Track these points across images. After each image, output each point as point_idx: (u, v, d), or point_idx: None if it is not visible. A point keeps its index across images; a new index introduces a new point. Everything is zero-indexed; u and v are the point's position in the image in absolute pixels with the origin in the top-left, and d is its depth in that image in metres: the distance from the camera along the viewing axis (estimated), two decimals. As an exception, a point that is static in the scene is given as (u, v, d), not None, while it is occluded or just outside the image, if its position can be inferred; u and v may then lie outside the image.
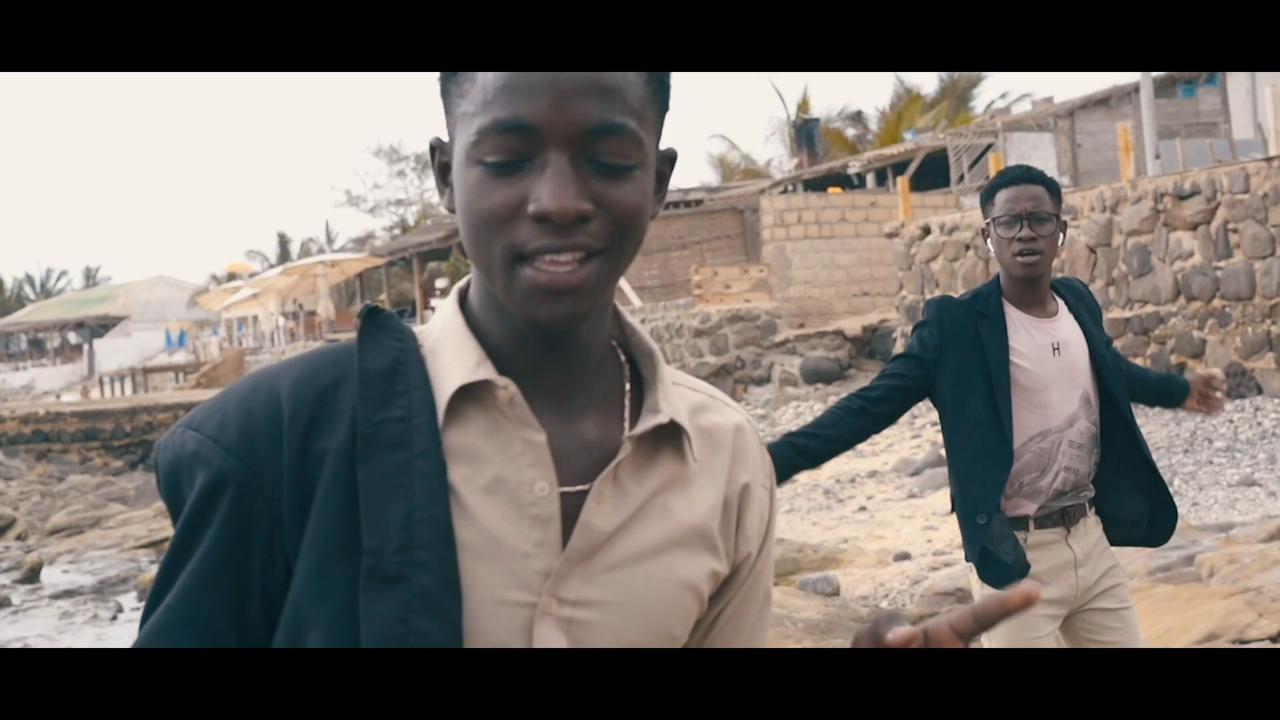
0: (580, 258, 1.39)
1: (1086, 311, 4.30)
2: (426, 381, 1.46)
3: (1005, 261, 4.19)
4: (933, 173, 33.92)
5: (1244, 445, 14.75)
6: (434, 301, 48.50)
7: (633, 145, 1.41)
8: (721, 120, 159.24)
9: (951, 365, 4.16)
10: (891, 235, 24.51)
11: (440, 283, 50.19)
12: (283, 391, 1.46)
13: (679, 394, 1.57)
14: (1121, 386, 4.26)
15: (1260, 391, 16.83)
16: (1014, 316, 4.19)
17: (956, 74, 47.71)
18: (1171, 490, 13.67)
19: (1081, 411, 4.18)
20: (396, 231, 67.29)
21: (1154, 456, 15.29)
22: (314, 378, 1.47)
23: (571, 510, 1.46)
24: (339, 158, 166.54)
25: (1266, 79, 28.35)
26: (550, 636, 1.44)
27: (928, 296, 22.51)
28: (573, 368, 1.50)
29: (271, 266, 68.58)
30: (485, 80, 1.40)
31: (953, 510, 4.23)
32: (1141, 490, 4.22)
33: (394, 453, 1.41)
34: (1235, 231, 17.07)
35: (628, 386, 1.56)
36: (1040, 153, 31.27)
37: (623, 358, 1.58)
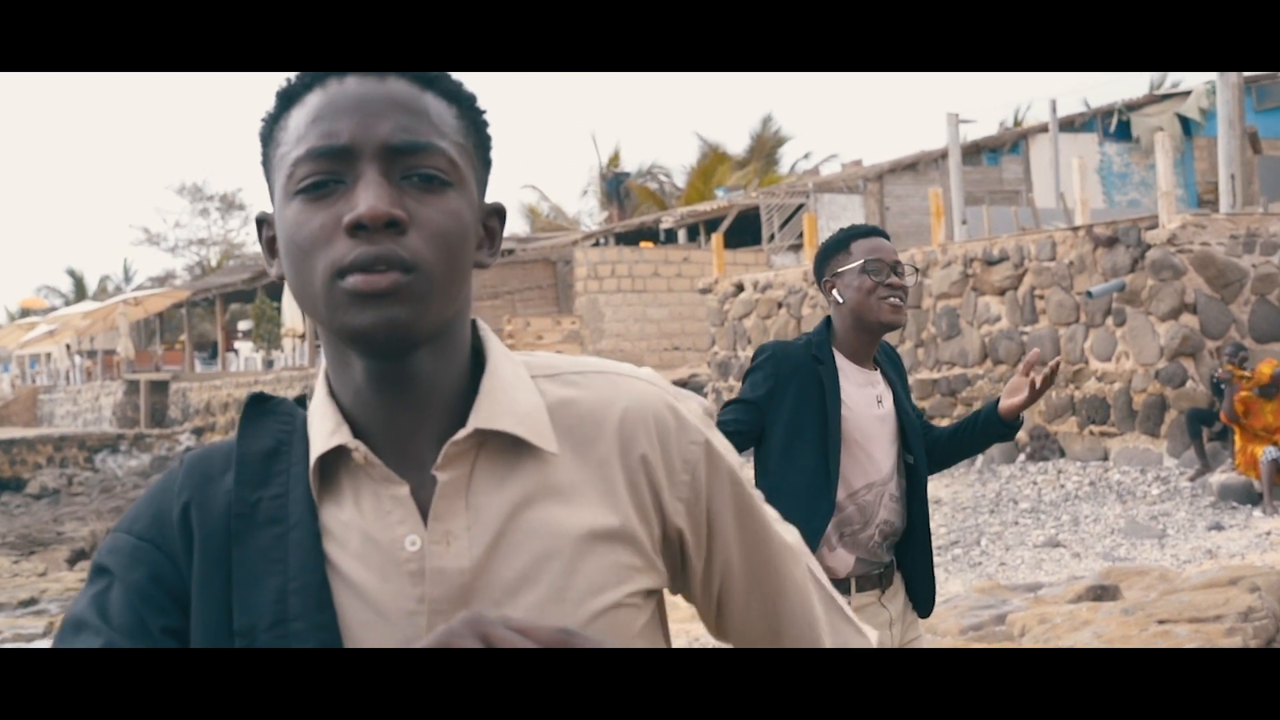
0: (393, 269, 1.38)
1: (894, 371, 4.33)
2: (306, 457, 1.45)
3: (868, 309, 4.16)
4: (744, 230, 34.31)
5: (1048, 507, 15.09)
6: (236, 344, 47.69)
7: (445, 162, 1.42)
8: (535, 169, 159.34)
9: (785, 410, 4.12)
10: (705, 291, 24.71)
11: (243, 324, 49.39)
12: (181, 472, 1.48)
13: (538, 386, 1.51)
14: (921, 448, 4.28)
15: (1063, 454, 17.24)
16: (843, 366, 4.19)
17: (764, 134, 48.40)
18: (979, 549, 13.82)
19: (900, 465, 4.20)
20: (198, 271, 66.14)
21: (960, 516, 15.48)
22: (204, 463, 1.49)
23: None
24: (137, 194, 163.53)
25: (1072, 150, 29.24)
26: None
27: (740, 352, 22.79)
28: (418, 415, 1.46)
29: (68, 304, 66.92)
30: (297, 120, 1.43)
31: None
32: (924, 553, 4.25)
33: (269, 529, 1.41)
34: (1041, 298, 17.51)
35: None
36: (850, 214, 31.81)
37: None
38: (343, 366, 1.46)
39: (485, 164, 1.51)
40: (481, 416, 1.44)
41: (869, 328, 4.20)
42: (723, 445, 1.58)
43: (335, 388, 1.48)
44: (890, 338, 19.27)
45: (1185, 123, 34.24)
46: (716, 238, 26.87)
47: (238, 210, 69.21)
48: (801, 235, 28.42)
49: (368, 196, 1.37)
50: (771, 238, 33.04)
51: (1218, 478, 14.47)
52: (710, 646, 1.53)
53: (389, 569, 1.40)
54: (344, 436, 1.43)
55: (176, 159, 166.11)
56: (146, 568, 1.42)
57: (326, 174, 1.40)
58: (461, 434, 1.43)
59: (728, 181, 43.92)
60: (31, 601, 16.78)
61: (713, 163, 47.02)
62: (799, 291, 21.85)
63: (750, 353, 22.48)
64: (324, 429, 1.44)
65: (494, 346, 1.52)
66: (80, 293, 72.33)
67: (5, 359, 64.59)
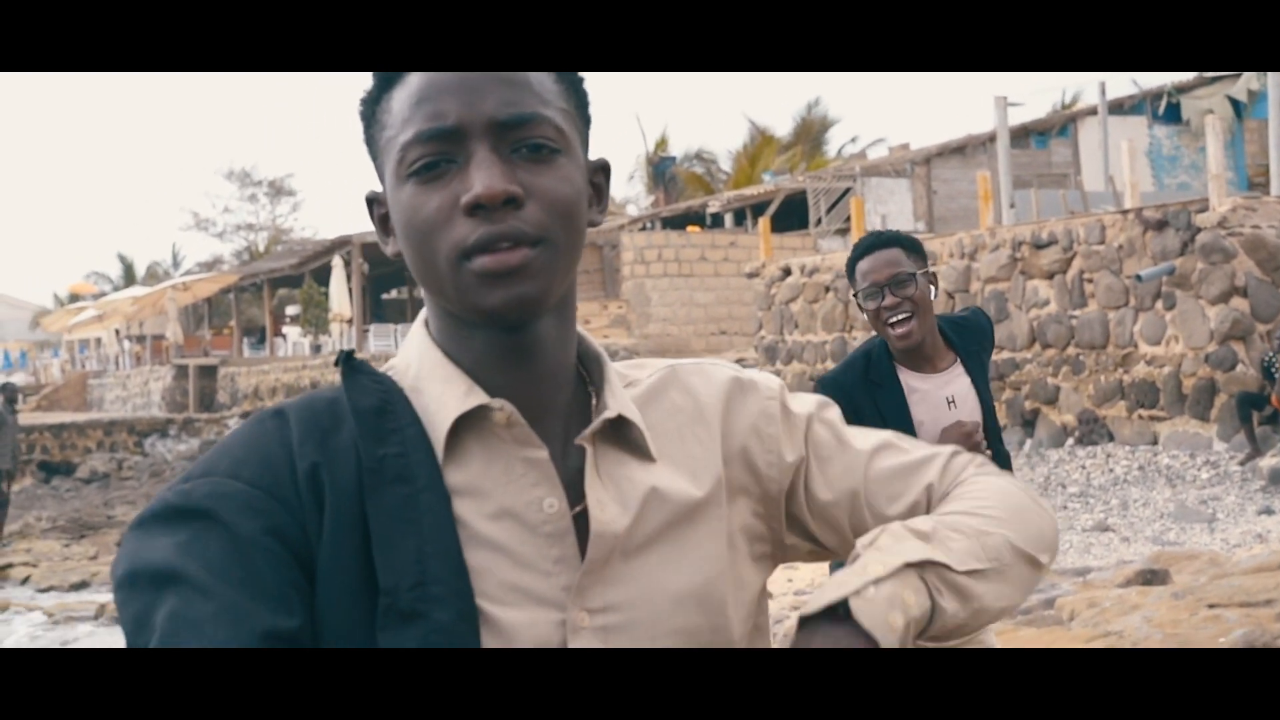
0: (520, 244, 1.39)
1: (979, 353, 4.25)
2: (417, 419, 1.44)
3: (883, 335, 4.14)
4: (791, 214, 34.23)
5: (1097, 491, 15.03)
6: (284, 329, 47.87)
7: (552, 129, 1.43)
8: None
9: None
10: (752, 275, 24.67)
11: (291, 310, 49.55)
12: (291, 424, 1.42)
13: (635, 389, 1.56)
14: (999, 439, 4.23)
15: (1112, 439, 17.16)
16: (906, 379, 4.14)
17: (810, 117, 48.25)
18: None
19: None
20: (246, 257, 66.33)
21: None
22: (314, 416, 1.44)
23: (578, 522, 1.44)
24: (186, 179, 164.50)
25: (1121, 133, 29.05)
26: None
27: (786, 336, 22.75)
28: (545, 385, 1.48)
29: (117, 289, 67.28)
30: (400, 102, 1.43)
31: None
32: None
33: (396, 487, 1.38)
34: (1090, 281, 17.42)
35: (594, 401, 1.53)
36: (897, 198, 31.71)
37: (584, 372, 1.56)
38: (462, 337, 1.47)
39: (586, 122, 1.52)
40: (618, 401, 1.50)
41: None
42: (797, 397, 1.66)
43: (451, 353, 1.48)
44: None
45: (1235, 105, 33.97)
46: (763, 222, 26.83)
47: (286, 195, 69.45)
48: (848, 219, 28.35)
49: (482, 176, 1.37)
50: (818, 222, 32.97)
51: (1268, 461, 14.39)
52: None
53: (523, 531, 1.42)
54: (482, 397, 1.43)
55: (226, 144, 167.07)
56: (265, 518, 1.34)
57: (437, 155, 1.40)
58: (609, 413, 1.48)
59: (774, 165, 43.80)
60: (82, 585, 16.92)
61: (759, 147, 46.89)
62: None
63: (797, 337, 22.49)
64: (454, 391, 1.44)
65: (582, 330, 1.57)
66: (129, 278, 72.72)
67: (55, 344, 65.09)
